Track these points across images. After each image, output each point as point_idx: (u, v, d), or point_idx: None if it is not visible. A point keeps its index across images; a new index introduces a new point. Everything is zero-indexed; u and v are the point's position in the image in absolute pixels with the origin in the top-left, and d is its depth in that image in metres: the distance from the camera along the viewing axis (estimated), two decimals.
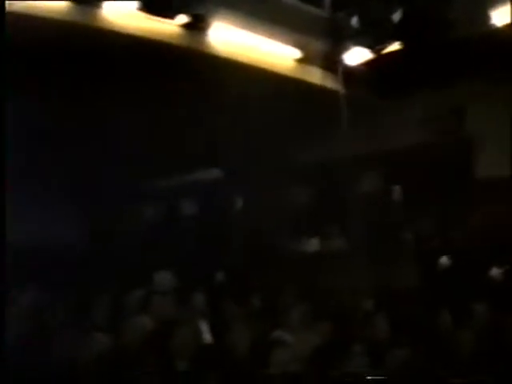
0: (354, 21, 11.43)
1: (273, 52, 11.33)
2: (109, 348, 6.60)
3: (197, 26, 10.19)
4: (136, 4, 9.47)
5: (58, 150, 12.64)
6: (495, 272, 10.92)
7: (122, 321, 7.30)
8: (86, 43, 9.30)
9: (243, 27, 10.70)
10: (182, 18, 9.98)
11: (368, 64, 11.82)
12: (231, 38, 10.66)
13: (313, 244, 13.33)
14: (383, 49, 11.56)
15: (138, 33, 9.64)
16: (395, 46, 11.41)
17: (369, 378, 4.18)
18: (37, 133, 11.76)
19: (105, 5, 9.31)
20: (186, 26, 10.08)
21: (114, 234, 15.69)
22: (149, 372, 5.44)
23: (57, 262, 13.54)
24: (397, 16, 11.18)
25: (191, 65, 10.36)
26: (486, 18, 10.83)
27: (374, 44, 11.66)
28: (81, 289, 10.21)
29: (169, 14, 9.90)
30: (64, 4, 8.94)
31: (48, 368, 6.37)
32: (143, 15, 9.63)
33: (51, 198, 14.81)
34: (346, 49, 11.74)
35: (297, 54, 11.62)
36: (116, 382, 5.74)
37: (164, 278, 10.48)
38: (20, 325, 7.74)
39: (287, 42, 11.44)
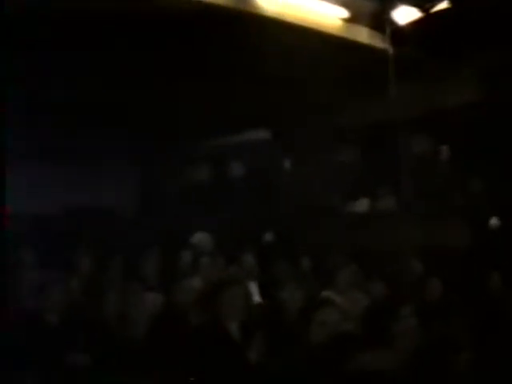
0: None
1: (320, 11, 11.21)
2: (159, 307, 6.70)
3: None
4: None
5: (113, 114, 12.76)
6: None
7: (173, 281, 7.37)
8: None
9: None
10: None
11: (417, 23, 11.67)
12: None
13: (362, 204, 13.29)
14: (432, 7, 11.40)
15: None
16: (444, 5, 11.25)
17: None
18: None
19: None
20: None
21: (165, 196, 15.83)
22: (198, 332, 5.49)
23: (108, 224, 13.78)
24: None
25: (238, 25, 10.33)
26: None
27: (422, 2, 11.51)
28: (133, 250, 10.37)
29: None
30: None
31: (101, 326, 6.49)
32: None
33: (102, 162, 15.00)
34: (394, 7, 11.60)
35: (344, 13, 11.49)
36: (166, 340, 5.82)
37: (202, 240, 10.59)
38: (76, 286, 7.92)
39: (334, 1, 11.32)
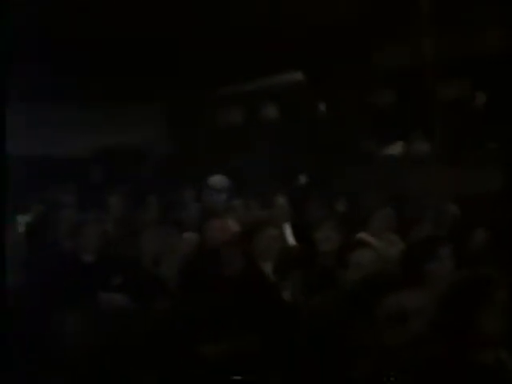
0: None
1: None
2: (195, 248, 6.74)
3: None
4: None
5: (142, 50, 12.74)
6: None
7: (206, 222, 7.39)
8: None
9: None
10: None
11: None
12: None
13: (397, 148, 13.19)
14: None
15: None
16: None
17: None
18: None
19: None
20: None
21: (196, 137, 15.85)
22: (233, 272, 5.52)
23: (138, 164, 13.86)
24: None
25: None
26: None
27: None
28: (165, 192, 10.42)
29: None
30: None
31: (137, 266, 6.55)
32: None
33: (130, 101, 15.03)
34: None
35: None
36: (200, 280, 5.87)
37: (219, 182, 10.65)
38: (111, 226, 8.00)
39: None
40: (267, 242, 5.42)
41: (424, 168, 11.94)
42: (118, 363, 5.00)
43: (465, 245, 7.32)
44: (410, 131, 13.19)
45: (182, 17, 11.67)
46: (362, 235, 7.55)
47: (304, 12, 11.49)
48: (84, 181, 12.25)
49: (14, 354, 4.91)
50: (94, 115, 14.86)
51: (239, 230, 7.18)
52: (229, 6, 11.34)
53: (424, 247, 5.24)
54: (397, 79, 13.72)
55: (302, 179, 12.98)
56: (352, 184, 11.94)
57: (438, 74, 12.57)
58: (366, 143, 13.45)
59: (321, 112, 14.45)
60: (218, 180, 10.83)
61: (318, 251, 6.75)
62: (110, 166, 14.04)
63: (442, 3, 11.68)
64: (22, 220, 8.62)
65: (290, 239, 8.43)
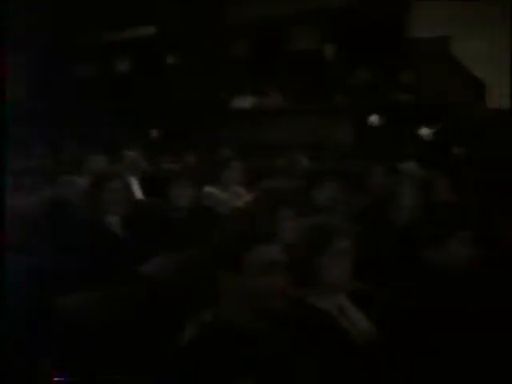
0: None
1: None
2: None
3: None
4: None
5: None
6: None
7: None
8: None
9: None
10: None
11: None
12: None
13: (248, 101, 13.23)
14: None
15: None
16: None
17: None
18: None
19: None
20: None
21: (50, 89, 15.50)
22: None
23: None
24: None
25: None
26: None
27: None
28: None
29: None
30: None
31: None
32: None
33: None
34: None
35: None
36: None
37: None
38: None
39: None
40: (111, 195, 5.30)
41: (275, 120, 12.04)
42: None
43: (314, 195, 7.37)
44: (263, 83, 13.28)
45: None
46: (210, 189, 7.53)
47: None
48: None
49: None
50: None
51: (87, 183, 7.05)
52: None
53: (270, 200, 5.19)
54: (249, 31, 13.75)
55: (154, 133, 12.90)
56: (204, 138, 11.94)
57: (290, 26, 12.68)
58: (219, 95, 13.44)
59: (173, 65, 14.36)
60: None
61: (167, 206, 6.68)
62: None
63: None
64: None
65: (138, 193, 8.37)
